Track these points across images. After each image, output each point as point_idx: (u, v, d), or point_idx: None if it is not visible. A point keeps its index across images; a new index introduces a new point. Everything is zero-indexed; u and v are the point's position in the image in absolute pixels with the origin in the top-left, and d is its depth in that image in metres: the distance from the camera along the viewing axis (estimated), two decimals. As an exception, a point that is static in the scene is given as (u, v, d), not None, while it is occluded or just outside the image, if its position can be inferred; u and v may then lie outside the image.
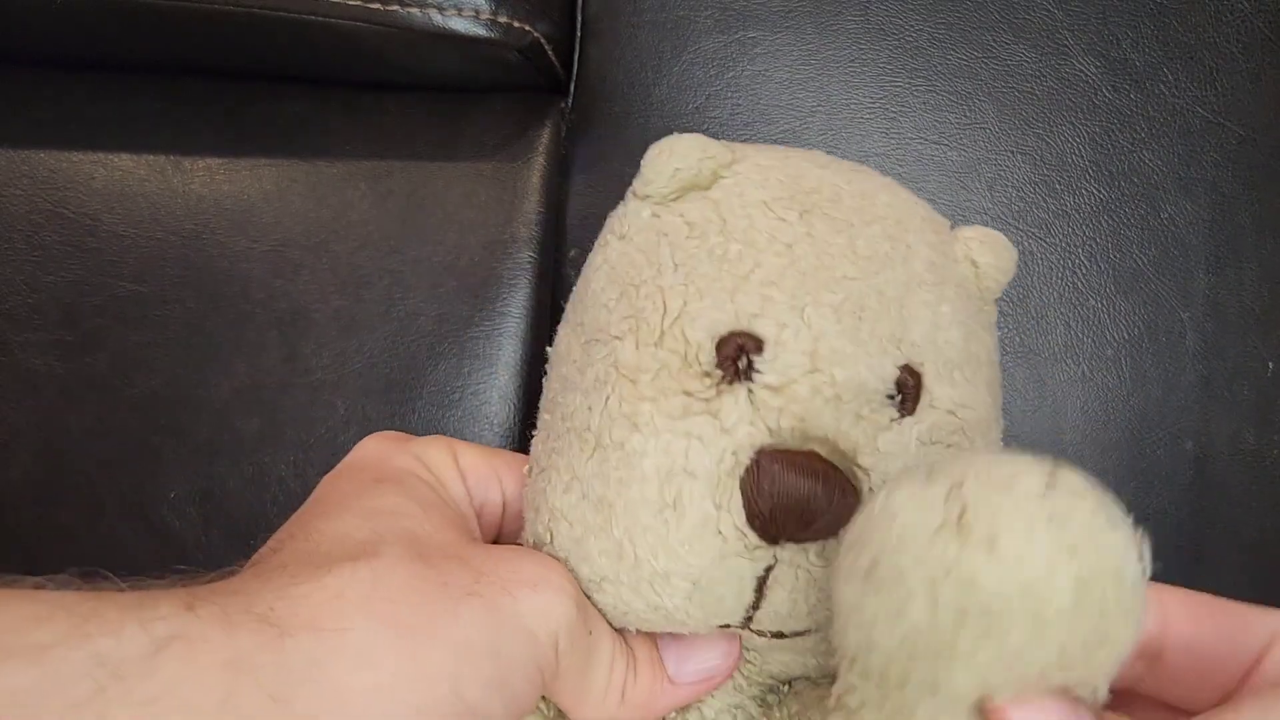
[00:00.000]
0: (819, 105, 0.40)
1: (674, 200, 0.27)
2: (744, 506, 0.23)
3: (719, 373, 0.24)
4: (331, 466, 0.44)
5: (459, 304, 0.42)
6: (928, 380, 0.25)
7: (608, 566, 0.25)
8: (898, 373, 0.25)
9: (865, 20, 0.40)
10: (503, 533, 0.30)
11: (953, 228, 0.28)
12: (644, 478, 0.24)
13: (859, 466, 0.24)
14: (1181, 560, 0.39)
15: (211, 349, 0.42)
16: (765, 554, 0.24)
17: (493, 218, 0.42)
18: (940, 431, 0.25)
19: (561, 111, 0.44)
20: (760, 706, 0.28)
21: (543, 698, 0.27)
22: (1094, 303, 0.39)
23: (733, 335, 0.24)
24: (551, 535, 0.26)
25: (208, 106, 0.44)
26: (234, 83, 0.44)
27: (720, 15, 0.41)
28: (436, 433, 0.42)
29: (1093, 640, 0.19)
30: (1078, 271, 0.39)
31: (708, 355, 0.24)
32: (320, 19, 0.40)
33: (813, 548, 0.24)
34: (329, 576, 0.22)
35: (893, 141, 0.40)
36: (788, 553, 0.24)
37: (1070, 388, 0.39)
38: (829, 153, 0.37)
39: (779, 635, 0.25)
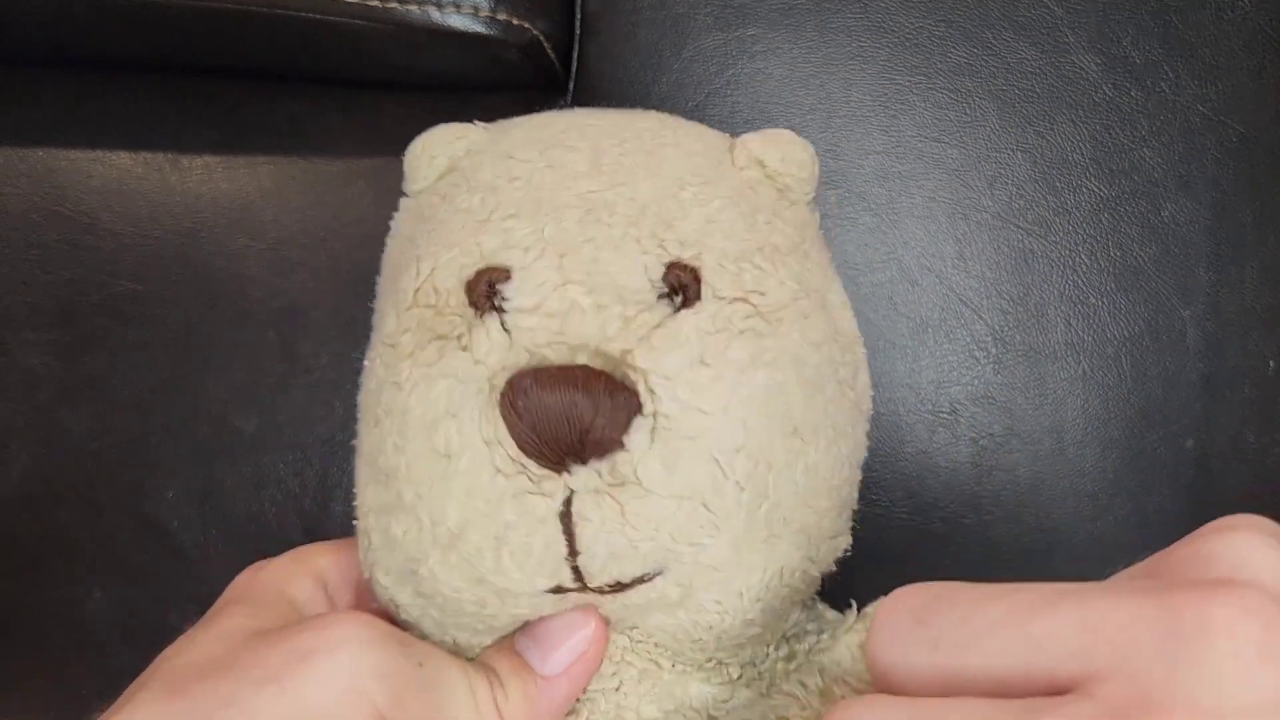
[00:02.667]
0: (818, 103, 0.40)
1: (434, 185, 0.27)
2: (510, 434, 0.21)
3: (471, 311, 0.23)
4: (330, 466, 0.44)
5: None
6: (707, 274, 0.23)
7: (413, 545, 0.23)
8: (664, 269, 0.23)
9: (865, 17, 0.40)
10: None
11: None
12: (414, 433, 0.23)
13: (631, 368, 0.22)
14: (1182, 559, 0.39)
15: (209, 348, 0.42)
16: (555, 484, 0.22)
17: (491, 216, 0.42)
18: (728, 319, 0.23)
19: (561, 109, 0.44)
20: (700, 684, 0.26)
21: None
22: (1094, 300, 0.39)
23: (480, 274, 0.23)
24: (369, 537, 0.24)
25: (206, 105, 0.44)
26: (232, 81, 0.44)
27: (719, 13, 0.40)
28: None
29: None
30: (1078, 269, 0.39)
31: (459, 299, 0.23)
32: (319, 16, 0.40)
33: (602, 465, 0.22)
34: None
35: (892, 139, 0.40)
36: (580, 479, 0.22)
37: (1071, 386, 0.38)
38: (829, 152, 0.37)
39: (619, 586, 0.23)
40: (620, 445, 0.21)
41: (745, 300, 0.23)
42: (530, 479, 0.22)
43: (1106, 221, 0.39)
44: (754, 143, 0.27)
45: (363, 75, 0.44)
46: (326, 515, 0.42)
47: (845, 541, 0.26)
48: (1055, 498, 0.39)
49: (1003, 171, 0.39)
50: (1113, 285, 0.39)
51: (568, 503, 0.22)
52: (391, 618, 0.26)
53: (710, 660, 0.26)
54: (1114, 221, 0.39)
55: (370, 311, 0.43)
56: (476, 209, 0.24)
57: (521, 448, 0.22)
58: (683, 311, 0.23)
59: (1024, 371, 0.39)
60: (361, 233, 0.42)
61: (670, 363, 0.22)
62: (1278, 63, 0.39)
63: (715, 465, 0.22)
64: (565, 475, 0.22)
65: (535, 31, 0.41)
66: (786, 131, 0.27)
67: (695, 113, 0.41)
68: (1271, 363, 0.39)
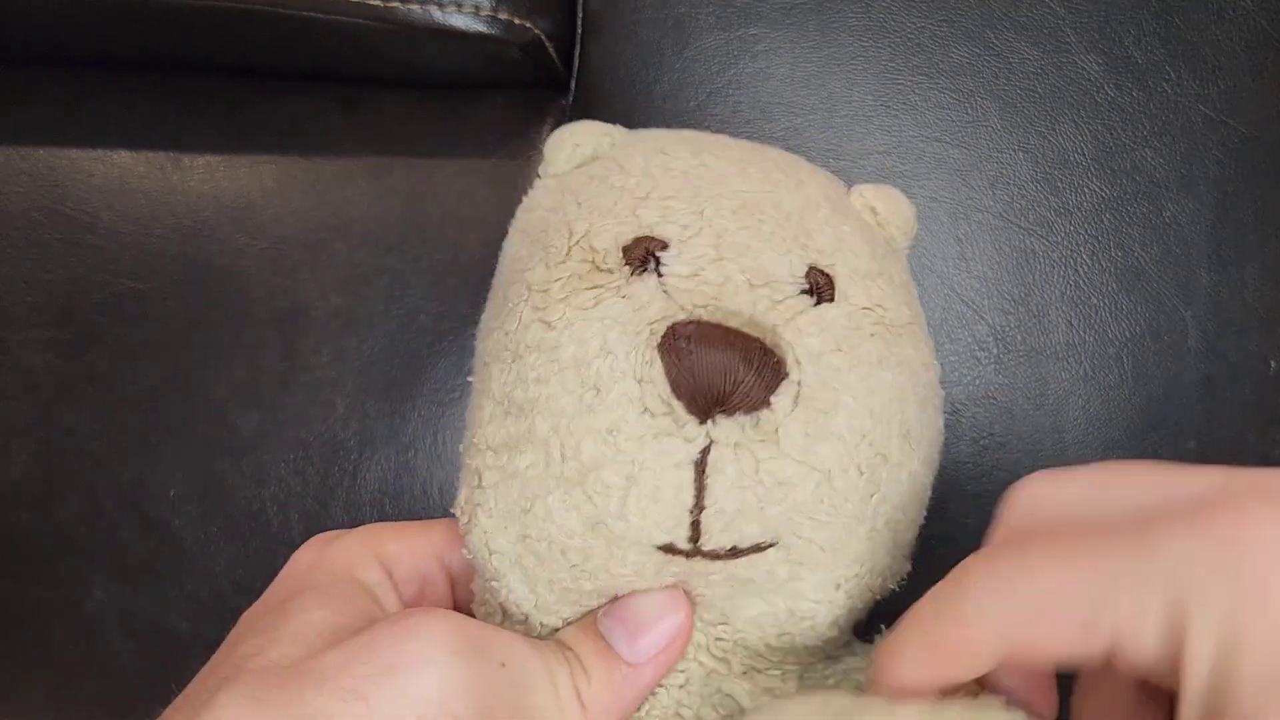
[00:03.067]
0: (820, 103, 0.40)
1: (576, 169, 0.28)
2: (665, 375, 0.22)
3: (628, 269, 0.24)
4: (331, 464, 0.44)
5: (459, 302, 0.42)
6: (840, 282, 0.25)
7: (537, 479, 0.23)
8: (807, 269, 0.24)
9: (867, 17, 0.40)
10: (457, 603, 0.28)
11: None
12: (562, 367, 0.23)
13: (780, 340, 0.23)
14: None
15: (210, 346, 0.42)
16: (698, 431, 0.22)
17: (493, 215, 0.42)
18: (861, 320, 0.25)
19: (562, 109, 0.44)
20: (758, 688, 0.26)
21: None
22: (1096, 301, 0.39)
23: (638, 240, 0.24)
24: (479, 475, 0.25)
25: (207, 103, 0.44)
26: (233, 80, 0.44)
27: (721, 12, 0.40)
28: (436, 431, 0.42)
29: None
30: (1079, 269, 0.39)
31: (615, 258, 0.24)
32: (320, 15, 0.40)
33: (747, 420, 0.22)
34: None
35: (894, 139, 0.40)
36: (722, 430, 0.22)
37: (1072, 386, 0.38)
38: (830, 152, 0.37)
39: (734, 552, 0.23)
40: (767, 404, 0.22)
41: (872, 310, 0.25)
42: (675, 421, 0.22)
43: (1108, 222, 0.39)
44: (869, 192, 0.29)
45: (364, 74, 0.44)
46: (327, 514, 0.42)
47: (908, 567, 0.27)
48: (1056, 498, 0.39)
49: (1004, 171, 0.39)
50: (1114, 285, 0.39)
51: (704, 453, 0.22)
52: (465, 595, 0.26)
53: (776, 668, 0.26)
54: (1116, 222, 0.39)
55: (370, 309, 0.43)
56: (634, 188, 0.25)
57: (674, 389, 0.22)
58: (824, 304, 0.24)
59: (1025, 372, 0.39)
60: (363, 232, 0.42)
61: (814, 344, 0.23)
62: (1279, 63, 0.39)
63: (844, 443, 0.23)
64: (708, 425, 0.22)
65: (537, 30, 0.41)
66: (897, 191, 0.29)
67: (697, 112, 0.41)
68: (1273, 363, 0.39)
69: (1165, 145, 0.39)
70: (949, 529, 0.38)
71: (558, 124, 0.43)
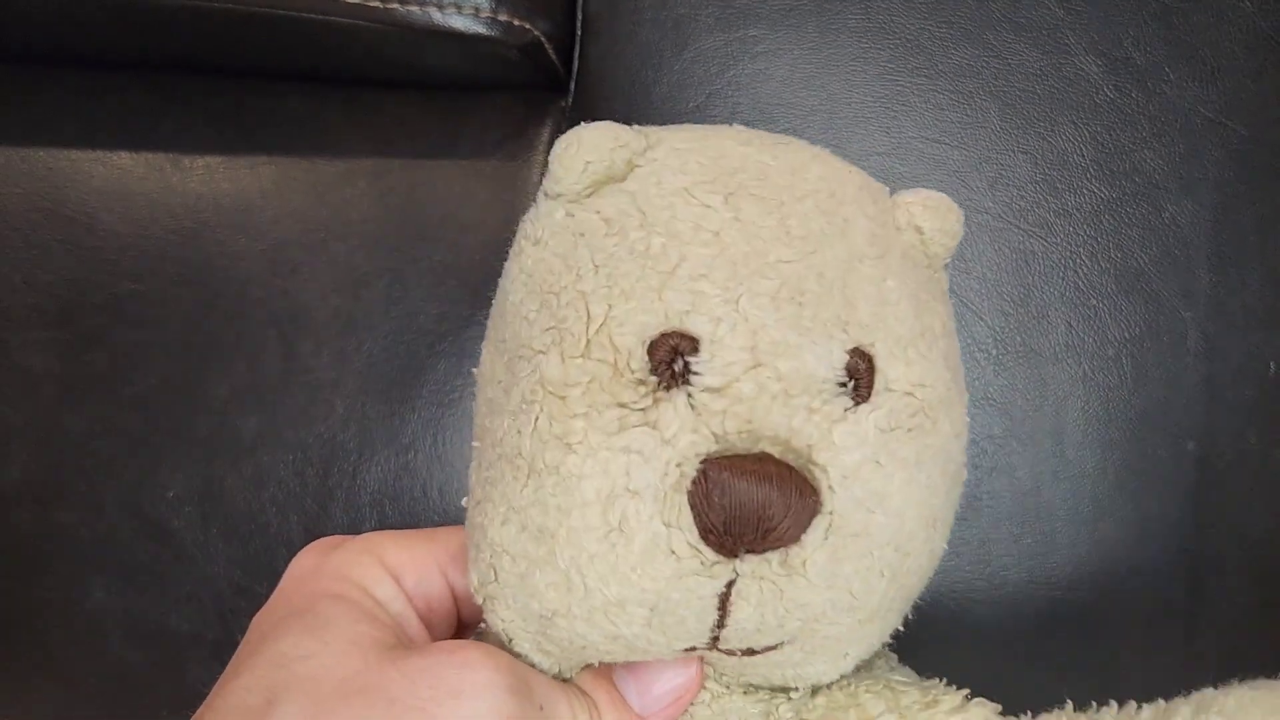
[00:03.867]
0: (820, 104, 0.40)
1: (588, 196, 0.25)
2: (695, 522, 0.22)
3: (654, 379, 0.22)
4: (331, 466, 0.44)
5: (459, 303, 0.42)
6: (880, 362, 0.24)
7: (557, 600, 0.23)
8: (847, 358, 0.23)
9: (867, 18, 0.40)
10: (462, 619, 0.29)
11: (891, 193, 0.27)
12: (584, 502, 0.22)
13: (815, 464, 0.22)
14: (1183, 562, 0.39)
15: (210, 348, 0.42)
16: (724, 569, 0.22)
17: (493, 216, 0.42)
18: (899, 416, 0.23)
19: (562, 110, 0.44)
20: (759, 702, 0.27)
21: None
22: (1095, 302, 0.39)
23: (665, 336, 0.23)
24: (495, 572, 0.24)
25: (206, 104, 0.44)
26: (233, 80, 0.44)
27: (721, 13, 0.40)
28: (435, 433, 0.42)
29: None
30: (1079, 271, 0.39)
31: (640, 361, 0.23)
32: (320, 17, 0.40)
33: (774, 556, 0.22)
34: None
35: (894, 140, 0.40)
36: (749, 565, 0.22)
37: (1071, 387, 0.38)
38: (832, 152, 0.37)
39: (750, 652, 0.24)
40: (798, 541, 0.22)
41: (913, 395, 0.24)
42: (702, 563, 0.22)
43: (1108, 223, 0.39)
44: (915, 206, 0.26)
45: (364, 75, 0.44)
46: (326, 515, 0.42)
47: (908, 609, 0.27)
48: (1055, 499, 0.39)
49: (1004, 173, 0.39)
50: (1114, 287, 0.39)
51: (730, 584, 0.22)
52: (470, 610, 0.27)
53: (781, 691, 0.27)
54: (1115, 223, 0.39)
55: (370, 310, 0.43)
56: (658, 257, 0.23)
57: (704, 536, 0.22)
58: (861, 407, 0.23)
59: (1024, 373, 0.39)
60: (362, 233, 0.42)
61: (850, 461, 0.23)
62: (1279, 65, 0.39)
63: (870, 558, 0.23)
64: (735, 561, 0.22)
65: (536, 32, 0.41)
66: (944, 197, 0.27)
67: (697, 113, 0.41)
68: (1273, 364, 0.39)
69: (1165, 147, 0.39)
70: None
71: (557, 125, 0.43)
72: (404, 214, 0.42)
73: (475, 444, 0.26)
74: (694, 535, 0.22)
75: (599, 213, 0.25)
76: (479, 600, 0.26)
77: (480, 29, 0.40)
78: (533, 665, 0.26)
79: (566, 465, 0.22)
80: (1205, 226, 0.39)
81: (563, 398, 0.23)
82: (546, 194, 0.26)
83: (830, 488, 0.22)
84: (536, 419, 0.23)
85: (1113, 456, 0.38)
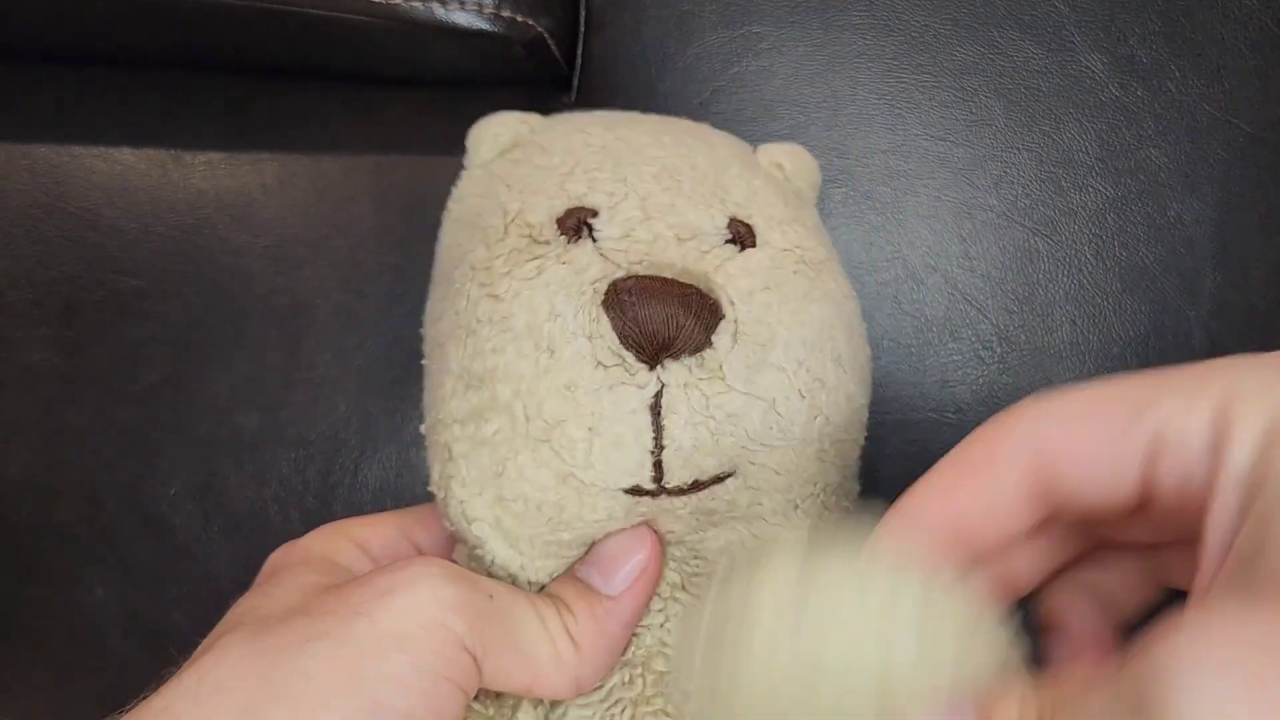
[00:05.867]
0: (824, 101, 0.40)
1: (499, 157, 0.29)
2: (613, 329, 0.24)
3: (563, 238, 0.26)
4: (333, 463, 0.43)
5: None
6: (759, 229, 0.27)
7: (505, 443, 0.25)
8: (728, 220, 0.27)
9: (871, 15, 0.40)
10: None
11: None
12: (516, 335, 0.24)
13: (714, 284, 0.25)
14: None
15: (212, 344, 0.42)
16: (649, 377, 0.24)
17: (495, 213, 0.42)
18: (782, 261, 0.27)
19: (565, 106, 0.43)
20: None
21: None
22: (1100, 301, 0.38)
23: (570, 211, 0.26)
24: (450, 450, 0.26)
25: (209, 100, 0.44)
26: (235, 77, 0.44)
27: (725, 10, 0.40)
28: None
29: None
30: (1084, 269, 0.39)
31: (551, 231, 0.26)
32: (323, 13, 0.40)
33: (692, 361, 0.24)
34: (157, 697, 0.21)
35: (898, 137, 0.39)
36: (671, 374, 0.24)
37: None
38: (834, 150, 0.38)
39: (696, 486, 0.25)
40: (709, 344, 0.24)
41: (793, 251, 0.27)
42: (627, 370, 0.24)
43: (1112, 221, 0.39)
44: (774, 150, 0.31)
45: (367, 71, 0.44)
46: (328, 512, 0.41)
47: (856, 487, 0.29)
48: (1059, 498, 0.39)
49: (1008, 171, 0.39)
50: (1118, 285, 0.39)
51: (658, 396, 0.24)
52: (448, 549, 0.27)
53: None
54: (1120, 221, 0.39)
55: (372, 307, 0.43)
56: (559, 165, 0.27)
57: (623, 341, 0.24)
58: (748, 250, 0.26)
59: (1029, 372, 0.38)
60: (365, 230, 0.42)
61: (744, 284, 0.25)
62: (1285, 63, 0.39)
63: (783, 373, 0.25)
64: (658, 370, 0.24)
65: (540, 28, 0.41)
66: (800, 148, 0.31)
67: (700, 110, 0.41)
68: (1277, 364, 0.39)
69: (1170, 145, 0.39)
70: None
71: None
72: (407, 211, 0.42)
73: (424, 362, 0.29)
74: (615, 342, 0.24)
75: (508, 159, 0.29)
76: (439, 494, 0.26)
77: (484, 25, 0.40)
78: (499, 565, 0.26)
79: (497, 311, 0.25)
80: (1210, 225, 0.39)
81: (488, 268, 0.26)
82: (465, 167, 0.30)
83: (730, 302, 0.25)
84: (469, 292, 0.26)
85: (1117, 455, 0.38)
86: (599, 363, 0.24)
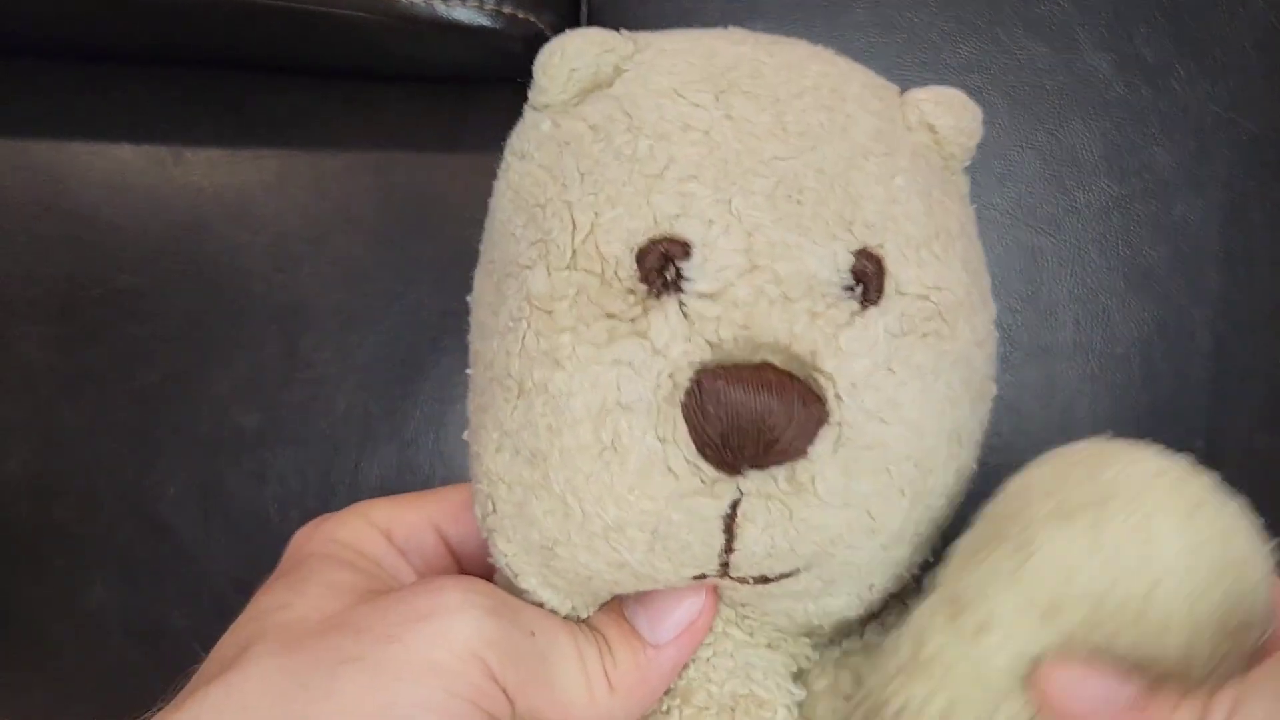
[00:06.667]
0: (827, 99, 0.40)
1: (575, 105, 0.24)
2: (691, 436, 0.20)
3: (643, 288, 0.21)
4: (332, 462, 0.43)
5: (461, 298, 0.41)
6: (890, 263, 0.22)
7: (555, 528, 0.22)
8: (853, 259, 0.21)
9: (875, 13, 0.40)
10: (464, 570, 0.28)
11: (902, 92, 0.25)
12: (575, 420, 0.21)
13: (820, 372, 0.21)
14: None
15: (211, 343, 0.41)
16: (727, 487, 0.21)
17: (496, 211, 0.42)
18: (913, 320, 0.22)
19: (566, 104, 0.43)
20: (786, 658, 0.25)
21: None
22: (1105, 300, 0.38)
23: (654, 243, 0.21)
24: (493, 503, 0.23)
25: (208, 97, 0.44)
26: (235, 73, 0.44)
27: (727, 6, 0.40)
28: (438, 428, 0.42)
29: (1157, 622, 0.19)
30: (1088, 268, 0.38)
31: (628, 270, 0.21)
32: (323, 9, 0.40)
33: (780, 473, 0.20)
34: (180, 713, 0.21)
35: (902, 136, 0.39)
36: (753, 482, 0.21)
37: (1081, 385, 0.38)
38: None
39: (763, 580, 0.22)
40: (804, 455, 0.20)
41: (927, 299, 0.22)
42: (703, 481, 0.21)
43: (1117, 220, 0.39)
44: (926, 104, 0.24)
45: (367, 68, 0.43)
46: (328, 511, 0.41)
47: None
48: (1063, 498, 0.38)
49: (1013, 169, 0.39)
50: (1123, 285, 0.38)
51: (734, 504, 0.21)
52: (492, 572, 0.26)
53: (806, 637, 0.26)
54: (1124, 221, 0.39)
55: (372, 305, 0.43)
56: (645, 159, 0.22)
57: (701, 450, 0.20)
58: (870, 311, 0.21)
59: (1033, 371, 0.38)
60: (365, 227, 0.42)
61: (858, 368, 0.21)
62: (1290, 61, 0.39)
63: (887, 475, 0.21)
64: (738, 478, 0.21)
65: (540, 25, 0.41)
66: (958, 93, 0.25)
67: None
68: (1282, 364, 0.39)
69: (1175, 144, 0.39)
70: (953, 528, 0.38)
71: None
72: (406, 208, 0.42)
73: (469, 370, 0.25)
74: (691, 450, 0.20)
75: (584, 120, 0.23)
76: (485, 535, 0.24)
77: (484, 21, 0.40)
78: (542, 604, 0.25)
79: (555, 382, 0.21)
80: (1215, 224, 0.39)
81: (549, 312, 0.22)
82: (533, 106, 0.25)
83: (837, 396, 0.21)
84: (524, 337, 0.22)
85: (1121, 455, 0.38)
86: (670, 469, 0.20)
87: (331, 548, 0.26)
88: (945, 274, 0.23)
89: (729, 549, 0.21)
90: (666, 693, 0.25)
